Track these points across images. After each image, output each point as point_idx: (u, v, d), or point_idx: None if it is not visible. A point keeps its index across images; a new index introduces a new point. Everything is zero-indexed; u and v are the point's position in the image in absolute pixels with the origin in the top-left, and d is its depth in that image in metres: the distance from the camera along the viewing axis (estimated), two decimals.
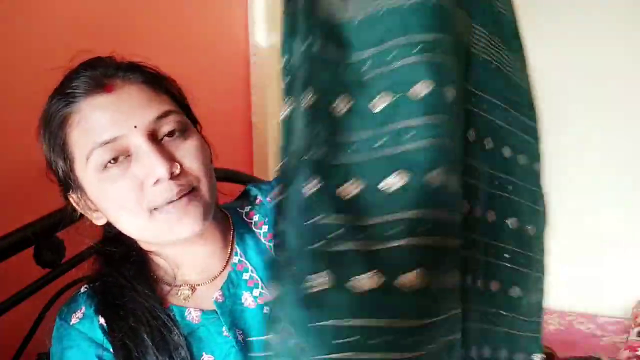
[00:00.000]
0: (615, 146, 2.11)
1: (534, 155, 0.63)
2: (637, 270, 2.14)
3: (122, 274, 0.68)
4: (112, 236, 0.70)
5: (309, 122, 0.45)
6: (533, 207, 0.62)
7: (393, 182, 0.44)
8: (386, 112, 0.46)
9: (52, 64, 1.13)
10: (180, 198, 0.61)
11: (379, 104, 0.46)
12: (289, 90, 0.47)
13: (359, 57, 0.48)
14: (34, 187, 1.10)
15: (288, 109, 0.47)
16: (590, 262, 2.13)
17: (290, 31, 0.48)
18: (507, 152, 0.60)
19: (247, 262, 0.73)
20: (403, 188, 0.44)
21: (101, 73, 0.63)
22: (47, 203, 0.96)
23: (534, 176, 0.63)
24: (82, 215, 0.72)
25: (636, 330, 1.91)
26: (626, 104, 2.07)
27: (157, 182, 0.59)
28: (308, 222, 0.43)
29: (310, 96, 0.45)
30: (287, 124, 0.46)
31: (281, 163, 0.46)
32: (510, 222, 0.60)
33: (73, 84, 0.63)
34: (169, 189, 0.60)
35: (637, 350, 1.77)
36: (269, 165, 1.97)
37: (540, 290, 0.63)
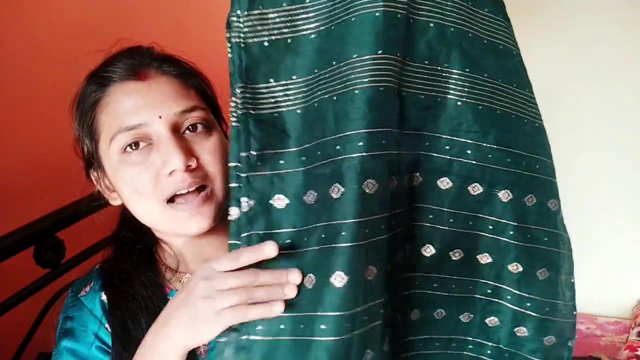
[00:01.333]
0: (615, 147, 2.11)
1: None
2: (637, 270, 2.14)
3: (130, 259, 0.70)
4: (127, 218, 0.72)
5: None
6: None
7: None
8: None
9: (52, 64, 1.13)
10: (192, 192, 0.62)
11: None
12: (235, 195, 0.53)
13: (299, 149, 0.53)
14: (34, 187, 1.11)
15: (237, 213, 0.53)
16: (590, 263, 2.13)
17: (236, 137, 0.53)
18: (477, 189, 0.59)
19: None
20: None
21: (138, 62, 0.65)
22: (47, 203, 0.96)
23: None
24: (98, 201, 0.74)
25: (636, 330, 1.91)
26: (628, 104, 2.07)
27: (172, 172, 0.61)
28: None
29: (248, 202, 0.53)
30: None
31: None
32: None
33: (109, 69, 0.65)
34: (182, 180, 0.61)
35: (637, 350, 1.77)
36: None
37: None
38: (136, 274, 0.69)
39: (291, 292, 0.51)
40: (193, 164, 0.62)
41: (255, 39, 0.54)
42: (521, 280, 0.60)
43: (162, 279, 0.70)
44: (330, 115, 0.53)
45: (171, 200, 0.63)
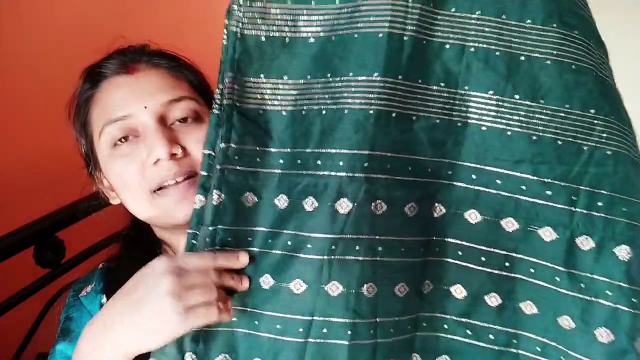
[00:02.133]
0: None
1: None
2: None
3: (133, 259, 0.68)
4: (133, 217, 0.70)
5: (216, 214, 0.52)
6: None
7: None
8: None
9: (52, 64, 1.13)
10: (180, 182, 0.61)
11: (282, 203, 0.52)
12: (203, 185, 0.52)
13: (279, 151, 0.52)
14: (33, 187, 1.11)
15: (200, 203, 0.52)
16: None
17: (215, 124, 0.52)
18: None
19: None
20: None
21: (129, 58, 0.65)
22: (47, 203, 0.96)
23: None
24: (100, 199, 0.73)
25: None
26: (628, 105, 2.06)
27: (157, 162, 0.60)
28: None
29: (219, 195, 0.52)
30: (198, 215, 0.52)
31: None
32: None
33: (102, 64, 0.65)
34: (167, 169, 0.60)
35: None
36: None
37: None
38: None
39: (245, 286, 0.51)
40: (178, 152, 0.60)
41: (253, 32, 0.53)
42: (576, 339, 0.50)
43: None
44: (316, 128, 0.52)
45: (158, 190, 0.62)
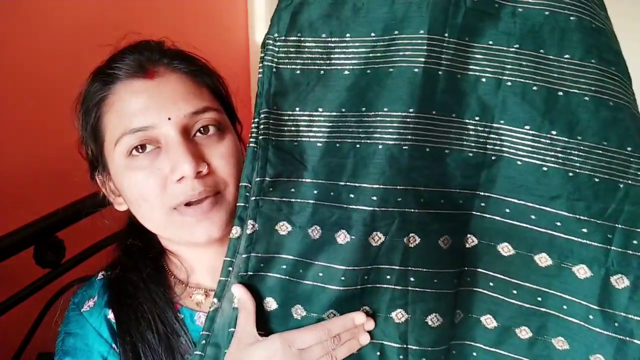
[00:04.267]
0: None
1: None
2: None
3: (139, 270, 0.66)
4: (136, 225, 0.67)
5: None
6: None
7: None
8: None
9: (52, 64, 1.13)
10: (202, 200, 0.58)
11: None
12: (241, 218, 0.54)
13: (313, 182, 0.53)
14: (34, 187, 1.10)
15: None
16: None
17: (252, 158, 0.54)
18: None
19: None
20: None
21: (146, 58, 0.61)
22: (47, 203, 0.96)
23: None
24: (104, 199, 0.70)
25: None
26: None
27: (181, 179, 0.57)
28: None
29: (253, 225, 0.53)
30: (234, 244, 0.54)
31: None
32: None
33: (115, 65, 0.61)
34: (192, 188, 0.57)
35: None
36: None
37: None
38: (145, 288, 0.64)
39: (365, 340, 0.53)
40: (204, 170, 0.58)
41: (288, 66, 0.53)
42: None
43: (172, 294, 0.66)
44: (349, 161, 0.52)
45: (175, 206, 0.59)
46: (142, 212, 0.62)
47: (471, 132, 0.52)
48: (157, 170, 0.58)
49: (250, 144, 0.53)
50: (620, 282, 0.50)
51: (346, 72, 0.52)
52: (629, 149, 0.50)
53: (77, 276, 0.86)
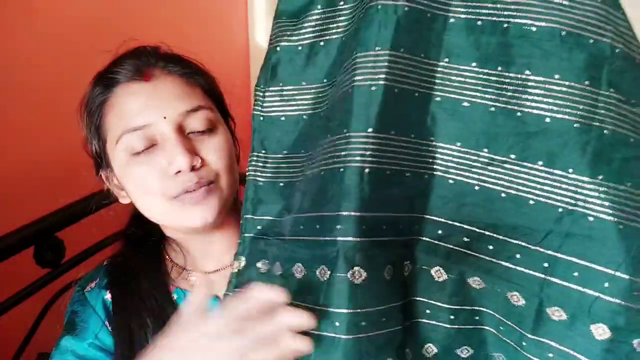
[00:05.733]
0: None
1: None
2: None
3: (138, 257, 0.72)
4: (137, 217, 0.73)
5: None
6: None
7: None
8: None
9: (52, 66, 1.13)
10: (198, 189, 0.63)
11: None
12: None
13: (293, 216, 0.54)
14: (34, 187, 1.11)
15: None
16: None
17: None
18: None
19: None
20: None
21: (143, 62, 0.66)
22: (47, 203, 0.96)
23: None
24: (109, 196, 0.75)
25: None
26: None
27: (178, 172, 0.62)
28: None
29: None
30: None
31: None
32: None
33: (115, 70, 0.66)
34: (189, 179, 0.62)
35: None
36: None
37: None
38: (143, 272, 0.70)
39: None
40: (197, 163, 0.63)
41: (272, 113, 0.57)
42: None
43: (167, 278, 0.71)
44: (314, 188, 0.52)
45: (174, 196, 0.64)
46: (144, 204, 0.67)
47: (408, 151, 0.49)
48: (156, 165, 0.63)
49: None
50: (558, 314, 0.46)
51: (305, 117, 0.56)
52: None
53: (77, 276, 0.86)
